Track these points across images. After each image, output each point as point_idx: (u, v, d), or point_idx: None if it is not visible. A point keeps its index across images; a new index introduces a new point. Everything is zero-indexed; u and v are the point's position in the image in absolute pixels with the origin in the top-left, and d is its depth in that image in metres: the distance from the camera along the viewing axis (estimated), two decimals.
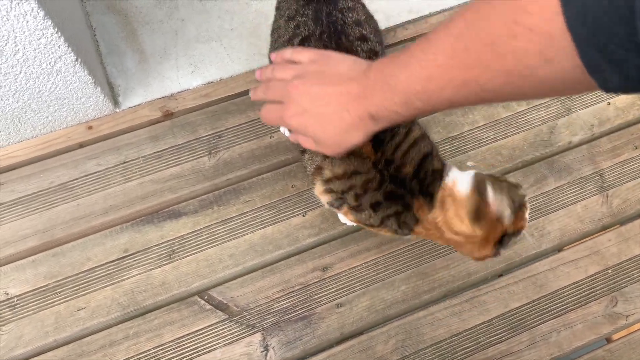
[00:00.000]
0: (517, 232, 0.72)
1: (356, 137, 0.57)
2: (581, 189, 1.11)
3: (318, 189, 0.83)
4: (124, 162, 1.10)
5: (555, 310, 1.02)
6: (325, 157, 0.77)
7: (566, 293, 1.03)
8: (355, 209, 0.78)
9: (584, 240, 1.08)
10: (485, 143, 1.15)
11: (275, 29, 0.89)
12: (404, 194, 0.73)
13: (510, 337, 1.00)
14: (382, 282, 1.03)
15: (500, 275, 1.05)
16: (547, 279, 1.04)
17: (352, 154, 0.73)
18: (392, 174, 0.73)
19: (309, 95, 0.57)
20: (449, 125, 1.16)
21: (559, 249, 1.07)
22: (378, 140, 0.73)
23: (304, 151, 0.84)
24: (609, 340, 1.02)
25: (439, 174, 0.75)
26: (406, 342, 0.99)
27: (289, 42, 0.81)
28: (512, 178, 1.10)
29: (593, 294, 1.03)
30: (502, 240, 0.72)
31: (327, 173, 0.78)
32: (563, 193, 1.11)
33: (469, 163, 1.13)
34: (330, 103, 0.56)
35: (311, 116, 0.58)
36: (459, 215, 0.71)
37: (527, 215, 0.73)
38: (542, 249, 1.07)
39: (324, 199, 0.83)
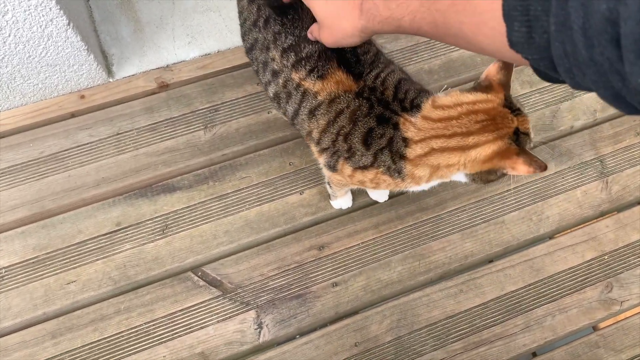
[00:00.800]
0: (526, 132, 0.68)
1: (346, 24, 0.62)
2: (581, 174, 1.10)
3: (314, 153, 0.82)
4: (117, 134, 1.07)
5: (550, 295, 1.02)
6: (310, 118, 0.76)
7: (562, 278, 1.03)
8: (349, 156, 0.76)
9: (582, 225, 1.07)
10: None
11: (240, 11, 0.85)
12: (391, 115, 0.72)
13: (506, 320, 1.00)
14: (379, 262, 1.02)
15: (491, 262, 1.04)
16: (544, 263, 1.04)
17: (332, 100, 0.73)
18: (379, 97, 0.73)
19: None
20: None
21: (556, 234, 1.07)
22: (357, 73, 0.74)
23: (293, 121, 0.81)
24: (595, 328, 1.02)
25: (423, 91, 0.74)
26: (401, 323, 0.98)
27: (255, 25, 0.79)
28: None
29: (589, 279, 1.03)
30: (517, 138, 0.67)
31: (315, 133, 0.77)
32: (563, 178, 1.10)
33: None
34: None
35: (331, 34, 0.65)
36: (454, 92, 0.69)
37: (530, 125, 0.69)
38: (540, 233, 1.06)
39: (322, 160, 0.82)
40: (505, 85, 0.69)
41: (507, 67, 0.68)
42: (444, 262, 1.03)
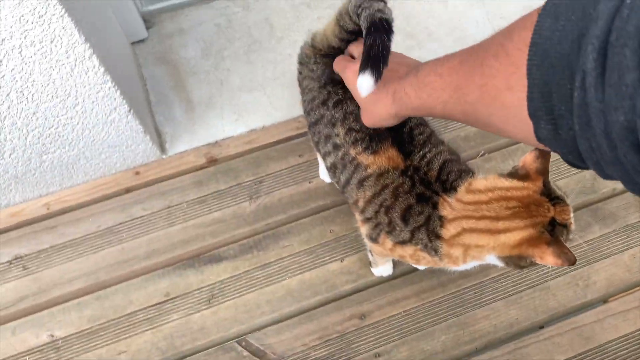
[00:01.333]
0: (564, 223, 0.67)
1: (381, 109, 0.67)
2: (628, 237, 1.08)
3: (358, 221, 0.86)
4: (168, 207, 1.14)
5: None
6: (359, 187, 0.81)
7: (615, 346, 0.99)
8: (390, 230, 0.79)
9: (633, 290, 1.04)
10: None
11: (308, 89, 0.91)
12: (431, 195, 0.76)
13: None
14: (422, 331, 1.01)
15: (542, 327, 1.01)
16: (594, 331, 1.00)
17: (381, 174, 0.78)
18: (421, 177, 0.78)
19: None
20: (489, 171, 1.10)
21: (605, 299, 1.04)
22: (407, 152, 0.79)
23: (344, 191, 0.87)
24: None
25: (465, 173, 0.77)
26: None
27: (324, 104, 0.86)
28: None
29: None
30: (553, 228, 0.66)
31: (361, 202, 0.82)
32: (609, 241, 1.08)
33: None
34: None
35: (369, 119, 0.71)
36: (490, 179, 0.70)
37: (571, 215, 0.68)
38: (587, 299, 1.03)
39: (364, 231, 0.85)
40: (544, 172, 0.69)
41: (544, 155, 0.69)
42: (489, 331, 1.01)
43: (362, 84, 0.66)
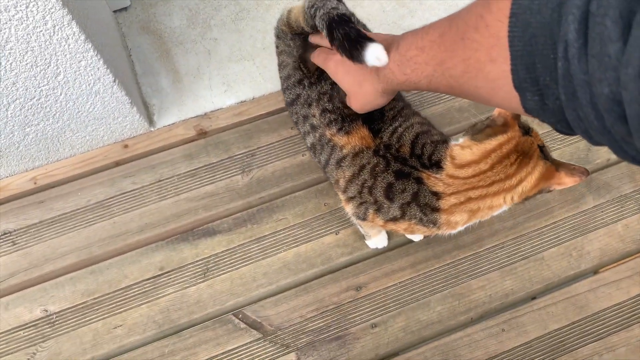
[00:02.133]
0: (543, 144, 0.71)
1: (368, 88, 0.66)
2: (621, 207, 1.09)
3: (342, 201, 0.86)
4: (159, 181, 1.11)
5: (596, 333, 0.99)
6: (337, 168, 0.80)
7: (608, 315, 1.00)
8: (378, 208, 0.79)
9: (626, 260, 1.05)
10: None
11: (283, 65, 0.90)
12: (410, 170, 0.75)
13: (550, 359, 0.97)
14: (418, 302, 1.02)
15: (534, 299, 1.02)
16: (588, 300, 1.02)
17: (356, 154, 0.78)
18: (394, 154, 0.77)
19: (343, 60, 0.67)
20: None
21: (599, 269, 1.05)
22: (376, 129, 0.79)
23: (325, 169, 0.86)
24: None
25: (439, 143, 0.76)
26: None
27: (300, 83, 0.85)
28: (548, 196, 1.09)
29: (636, 316, 1.00)
30: (542, 152, 0.70)
31: (341, 182, 0.82)
32: (602, 212, 1.08)
33: None
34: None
35: (344, 67, 0.69)
36: (471, 144, 0.71)
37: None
38: (581, 269, 1.04)
39: (349, 210, 0.85)
40: (517, 115, 0.71)
41: None
42: (484, 301, 1.02)
43: (375, 54, 0.61)
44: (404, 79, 0.57)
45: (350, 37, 0.63)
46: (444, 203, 0.73)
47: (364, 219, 0.83)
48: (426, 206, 0.75)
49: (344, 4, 0.75)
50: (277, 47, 0.91)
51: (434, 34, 0.51)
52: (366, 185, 0.78)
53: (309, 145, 0.87)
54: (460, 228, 0.77)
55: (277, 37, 0.90)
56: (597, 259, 1.05)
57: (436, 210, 0.74)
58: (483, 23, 0.41)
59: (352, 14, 0.77)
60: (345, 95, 0.77)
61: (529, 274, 1.03)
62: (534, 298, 1.02)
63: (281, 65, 0.90)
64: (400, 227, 0.80)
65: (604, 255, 1.05)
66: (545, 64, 0.35)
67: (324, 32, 0.68)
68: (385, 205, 0.78)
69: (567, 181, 0.70)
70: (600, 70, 0.30)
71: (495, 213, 0.75)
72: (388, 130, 0.78)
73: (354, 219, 0.89)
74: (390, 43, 0.60)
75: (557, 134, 1.14)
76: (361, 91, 0.69)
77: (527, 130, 0.71)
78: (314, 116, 0.82)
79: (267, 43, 1.23)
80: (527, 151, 0.69)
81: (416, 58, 0.54)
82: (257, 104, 1.18)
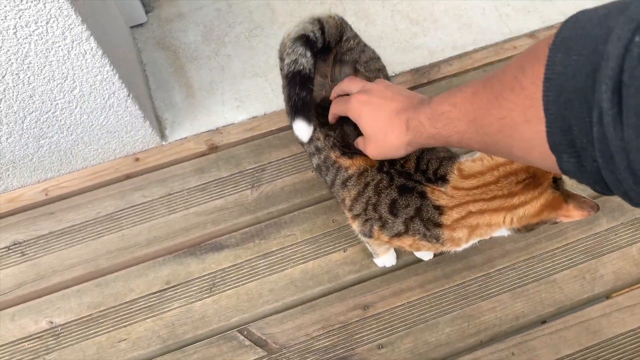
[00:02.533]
0: (559, 176, 0.69)
1: (393, 139, 0.65)
2: (636, 230, 1.06)
3: (349, 219, 0.86)
4: (169, 194, 1.12)
5: (610, 359, 0.96)
6: (343, 187, 0.81)
7: (622, 341, 0.98)
8: (382, 224, 0.79)
9: None
10: None
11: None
12: (414, 185, 0.75)
13: None
14: (426, 323, 1.00)
15: (544, 322, 1.00)
16: (601, 325, 0.99)
17: (361, 174, 0.78)
18: (399, 170, 0.76)
19: (377, 91, 0.69)
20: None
21: (612, 293, 1.02)
22: None
23: (331, 189, 0.86)
24: None
25: (446, 159, 0.76)
26: None
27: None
28: None
29: None
30: (556, 183, 0.68)
31: (347, 201, 0.82)
32: (616, 234, 1.06)
33: None
34: (389, 105, 0.66)
35: (369, 104, 0.68)
36: (483, 157, 0.70)
37: None
38: (594, 293, 1.02)
39: (356, 227, 0.85)
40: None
41: None
42: (494, 323, 1.00)
43: (300, 129, 0.77)
44: (434, 132, 0.57)
45: (295, 100, 0.73)
46: (446, 218, 0.73)
47: (370, 236, 0.82)
48: (429, 221, 0.74)
49: (309, 58, 0.79)
50: (281, 69, 0.91)
51: (467, 92, 0.51)
52: (370, 202, 0.78)
53: (314, 165, 0.87)
54: (465, 246, 0.77)
55: (281, 59, 0.91)
56: (611, 282, 1.02)
57: (439, 225, 0.74)
58: (518, 85, 0.42)
59: (310, 71, 0.80)
60: (354, 137, 0.77)
61: (540, 296, 1.01)
62: (544, 322, 1.00)
63: (285, 87, 0.90)
64: (405, 242, 0.79)
65: (618, 280, 1.02)
66: (582, 127, 0.36)
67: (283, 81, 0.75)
68: (389, 221, 0.77)
69: (574, 214, 0.68)
70: (637, 139, 0.31)
71: (495, 233, 0.74)
72: None
73: (361, 237, 0.88)
74: (420, 100, 0.62)
75: None
76: (385, 140, 0.67)
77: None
78: (318, 139, 0.83)
79: None
80: (539, 176, 0.68)
81: (449, 113, 0.54)
82: (269, 120, 1.18)
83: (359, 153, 0.78)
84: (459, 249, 0.77)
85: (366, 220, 0.81)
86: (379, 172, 0.77)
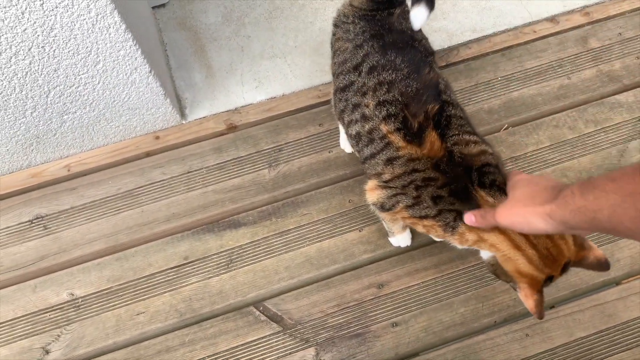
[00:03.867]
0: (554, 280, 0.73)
1: (537, 203, 0.61)
2: None
3: (370, 185, 0.85)
4: (188, 172, 1.13)
5: (625, 343, 0.96)
6: (386, 164, 0.79)
7: (638, 325, 0.97)
8: (413, 204, 0.78)
9: None
10: (550, 164, 1.11)
11: (341, 51, 0.91)
12: (467, 184, 0.74)
13: None
14: (440, 302, 1.01)
15: (552, 307, 1.00)
16: (616, 308, 0.99)
17: (412, 159, 0.77)
18: (457, 161, 0.75)
19: (541, 175, 0.69)
20: (512, 145, 1.13)
21: (629, 277, 1.02)
22: (443, 135, 0.77)
23: (364, 162, 0.85)
24: None
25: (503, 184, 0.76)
26: None
27: (356, 69, 0.84)
28: None
29: None
30: (550, 280, 0.72)
31: (387, 176, 0.81)
32: None
33: None
34: (547, 183, 0.64)
35: (531, 178, 0.68)
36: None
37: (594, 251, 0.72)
38: (610, 277, 1.01)
39: (374, 196, 0.84)
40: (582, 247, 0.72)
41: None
42: (508, 305, 1.00)
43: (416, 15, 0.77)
44: (582, 205, 0.54)
45: None
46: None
47: (387, 210, 0.82)
48: (461, 215, 0.75)
49: None
50: (334, 34, 0.92)
51: (628, 169, 0.50)
52: (415, 183, 0.77)
53: (352, 133, 0.85)
54: (464, 247, 0.79)
55: (335, 25, 0.91)
56: (627, 266, 1.02)
57: (464, 222, 0.75)
58: None
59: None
60: (420, 118, 0.76)
61: None
62: (552, 307, 1.00)
63: (337, 52, 0.90)
64: (422, 224, 0.80)
65: (635, 264, 1.02)
66: None
67: None
68: (424, 205, 0.77)
69: (528, 302, 0.72)
70: None
71: (486, 252, 0.77)
72: (454, 138, 0.78)
73: (374, 208, 0.87)
74: (555, 199, 0.60)
75: (590, 139, 1.12)
76: (526, 203, 0.63)
77: (581, 244, 0.72)
78: (367, 106, 0.81)
79: (299, 42, 1.25)
80: (554, 261, 0.70)
81: (604, 186, 0.52)
82: (287, 101, 1.19)
83: (417, 140, 0.76)
84: (459, 246, 0.79)
85: (396, 195, 0.80)
86: (435, 170, 0.76)
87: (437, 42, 1.23)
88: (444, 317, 0.99)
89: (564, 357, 0.96)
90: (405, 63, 0.80)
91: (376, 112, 0.79)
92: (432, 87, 0.79)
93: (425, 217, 0.78)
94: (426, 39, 0.90)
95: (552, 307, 1.00)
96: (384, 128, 0.78)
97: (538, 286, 0.71)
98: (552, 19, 1.26)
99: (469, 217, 0.72)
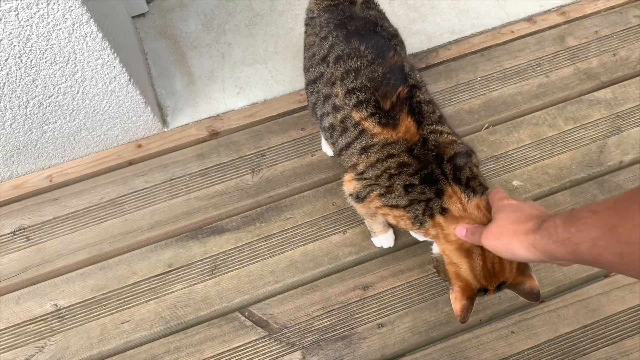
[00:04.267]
0: (516, 285, 0.76)
1: (521, 232, 0.62)
2: None
3: (347, 178, 0.86)
4: (171, 180, 1.13)
5: (609, 337, 0.96)
6: (361, 153, 0.80)
7: (622, 319, 0.98)
8: (385, 193, 0.79)
9: None
10: (532, 162, 1.12)
11: (309, 45, 0.93)
12: (439, 178, 0.75)
13: None
14: (425, 302, 1.01)
15: (542, 302, 1.00)
16: (600, 303, 0.99)
17: (388, 144, 0.77)
18: (430, 149, 0.76)
19: (525, 202, 0.68)
20: (493, 144, 1.14)
21: (611, 272, 1.02)
22: (418, 121, 0.78)
23: (340, 153, 0.86)
24: None
25: (483, 180, 0.77)
26: None
27: (324, 60, 0.85)
28: (560, 197, 1.08)
29: None
30: (485, 293, 0.76)
31: (361, 166, 0.81)
32: None
33: (515, 182, 1.10)
34: (531, 211, 0.64)
35: (514, 205, 0.68)
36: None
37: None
38: (593, 272, 1.02)
39: (351, 187, 0.85)
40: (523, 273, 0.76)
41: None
42: (493, 303, 1.00)
43: None
44: (565, 237, 0.54)
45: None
46: (443, 220, 0.75)
47: (362, 200, 0.83)
48: (430, 212, 0.76)
49: None
50: (305, 32, 0.94)
51: (610, 201, 0.50)
52: (388, 172, 0.78)
53: (325, 126, 0.86)
54: (426, 239, 0.81)
55: (306, 24, 0.93)
56: None
57: (433, 219, 0.76)
58: None
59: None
60: (391, 99, 0.78)
61: (539, 275, 1.01)
62: (541, 301, 1.00)
63: (307, 47, 0.92)
64: (393, 214, 0.81)
65: None
66: None
67: None
68: (396, 194, 0.78)
69: (456, 306, 0.76)
70: None
71: (436, 245, 0.79)
72: (430, 128, 0.79)
73: (350, 200, 0.88)
74: (539, 228, 0.60)
75: (570, 135, 1.13)
76: (511, 232, 0.64)
77: (523, 270, 0.76)
78: (336, 96, 0.81)
79: (280, 47, 1.26)
80: (495, 274, 0.74)
81: (586, 219, 0.52)
82: (269, 106, 1.20)
83: (392, 122, 0.77)
84: (421, 238, 0.82)
85: (369, 185, 0.81)
86: (409, 154, 0.76)
87: (416, 44, 1.25)
88: (429, 317, 0.99)
89: (549, 352, 0.96)
90: (369, 49, 0.81)
91: (346, 101, 0.80)
92: (397, 70, 0.80)
93: (396, 206, 0.79)
94: (387, 19, 0.92)
95: (541, 301, 1.00)
96: (356, 115, 0.79)
97: (470, 293, 0.75)
98: (529, 19, 1.28)
99: (461, 231, 0.73)
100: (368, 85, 0.79)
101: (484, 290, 0.75)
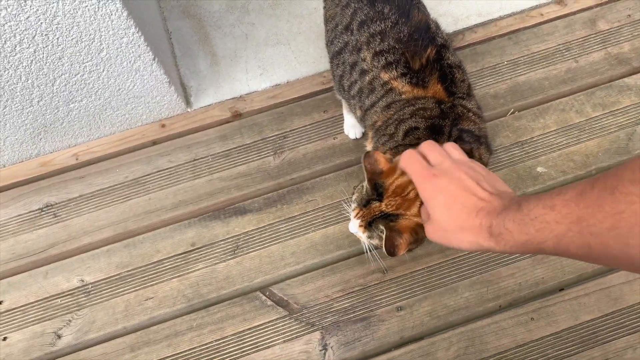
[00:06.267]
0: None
1: (464, 239, 0.57)
2: None
3: (369, 140, 0.86)
4: (194, 160, 1.14)
5: (631, 326, 0.96)
6: (384, 110, 0.80)
7: None
8: (386, 141, 0.79)
9: None
10: (557, 149, 1.10)
11: (331, 18, 0.92)
12: (444, 132, 0.74)
13: (581, 351, 0.95)
14: (445, 287, 1.01)
15: (562, 290, 1.00)
16: (623, 292, 0.99)
17: (415, 99, 0.77)
18: (451, 116, 0.76)
19: (458, 179, 0.58)
20: (518, 130, 1.12)
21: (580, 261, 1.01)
22: (451, 91, 0.78)
23: (364, 115, 0.86)
24: None
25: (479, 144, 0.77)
26: (469, 350, 0.96)
27: (347, 29, 0.84)
28: None
29: None
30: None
31: (379, 122, 0.82)
32: None
33: (539, 169, 1.09)
34: (468, 200, 0.57)
35: (447, 191, 0.58)
36: None
37: None
38: None
39: (371, 145, 0.85)
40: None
41: None
42: (513, 289, 1.00)
43: None
44: (525, 240, 0.51)
45: None
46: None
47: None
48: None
49: None
50: (324, 8, 0.94)
51: (571, 193, 0.47)
52: (397, 119, 0.78)
53: (353, 93, 0.85)
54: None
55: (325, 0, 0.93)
56: None
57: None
58: None
59: None
60: (420, 62, 0.76)
61: (561, 263, 1.01)
62: (561, 289, 1.00)
63: (328, 20, 0.91)
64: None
65: None
66: None
67: None
68: (394, 139, 0.78)
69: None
70: None
71: None
72: (460, 102, 0.78)
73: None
74: (504, 204, 0.55)
75: (598, 122, 1.11)
76: (455, 235, 0.58)
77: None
78: (364, 60, 0.81)
79: (303, 28, 1.25)
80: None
81: (544, 217, 0.49)
82: (292, 88, 1.19)
83: (422, 83, 0.77)
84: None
85: (379, 138, 0.82)
86: (437, 104, 0.76)
87: (443, 26, 1.21)
88: (449, 302, 1.00)
89: (569, 340, 0.96)
90: (392, 10, 0.80)
91: (374, 63, 0.79)
92: (423, 29, 0.79)
93: (391, 135, 0.79)
94: None
95: (561, 289, 1.00)
96: (385, 76, 0.79)
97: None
98: (560, 2, 1.24)
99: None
100: (396, 46, 0.78)
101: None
